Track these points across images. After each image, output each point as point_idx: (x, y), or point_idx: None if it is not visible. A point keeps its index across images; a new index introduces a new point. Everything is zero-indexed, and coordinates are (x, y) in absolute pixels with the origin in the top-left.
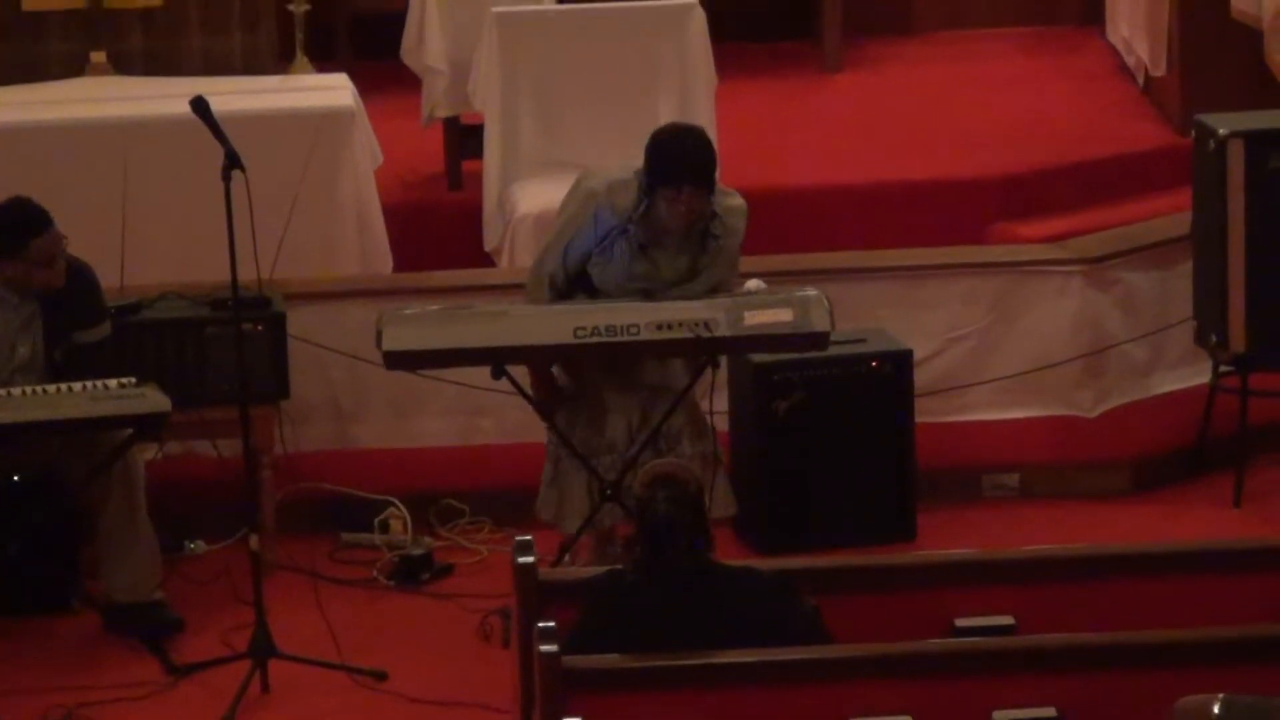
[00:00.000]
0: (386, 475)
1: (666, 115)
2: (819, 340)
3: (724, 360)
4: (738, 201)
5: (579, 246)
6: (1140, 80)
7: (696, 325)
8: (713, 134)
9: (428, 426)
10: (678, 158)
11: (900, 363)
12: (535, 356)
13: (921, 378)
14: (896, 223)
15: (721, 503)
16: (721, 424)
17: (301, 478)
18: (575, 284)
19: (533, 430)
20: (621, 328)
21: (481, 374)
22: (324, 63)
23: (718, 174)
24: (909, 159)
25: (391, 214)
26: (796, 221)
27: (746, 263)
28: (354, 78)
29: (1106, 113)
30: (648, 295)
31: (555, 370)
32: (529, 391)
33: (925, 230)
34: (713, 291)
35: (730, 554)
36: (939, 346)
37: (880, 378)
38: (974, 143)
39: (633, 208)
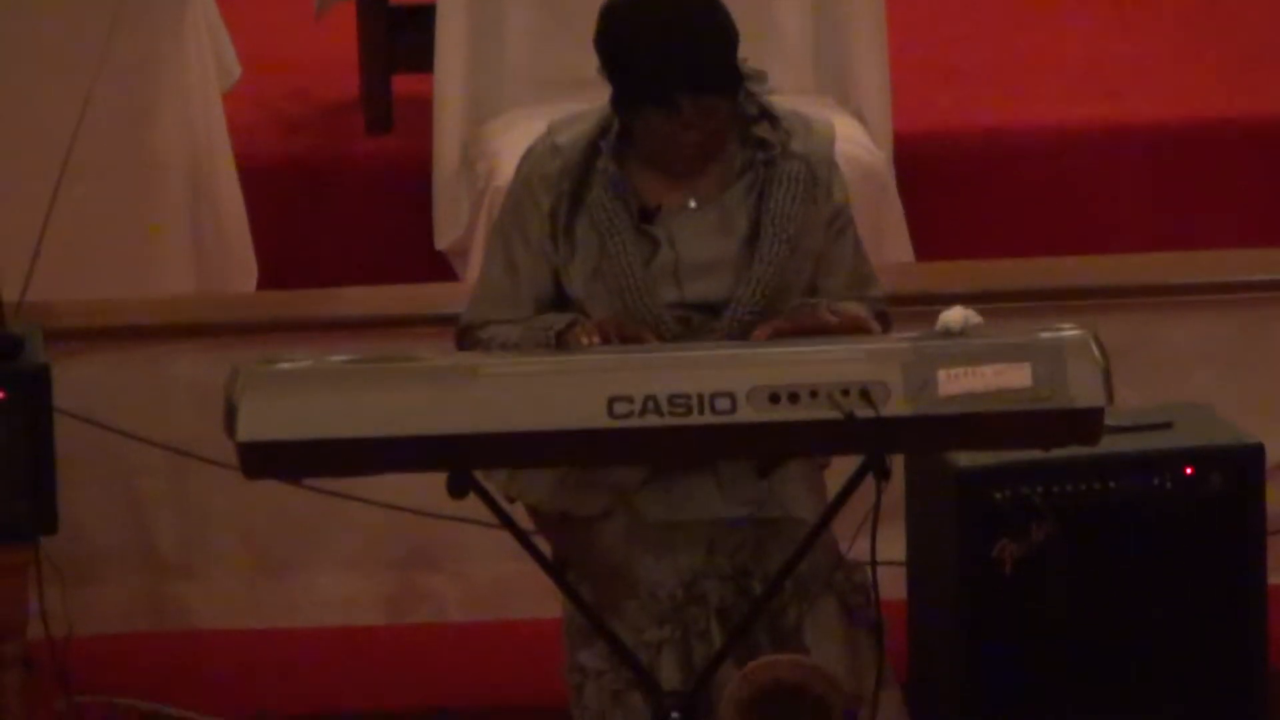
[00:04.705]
0: (246, 682)
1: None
2: (1085, 425)
3: (898, 465)
4: (816, 122)
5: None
6: None
7: (846, 394)
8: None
9: (324, 589)
10: (658, 40)
11: (1242, 468)
12: (533, 453)
13: None
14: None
15: None
16: (891, 586)
17: (84, 686)
18: None
19: (521, 597)
20: (701, 399)
21: (427, 488)
22: None
23: (757, 75)
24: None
25: (258, 181)
26: (1036, 186)
27: (929, 274)
28: None
29: None
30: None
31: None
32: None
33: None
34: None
35: None
36: None
37: (1202, 497)
38: None
39: (595, 134)
